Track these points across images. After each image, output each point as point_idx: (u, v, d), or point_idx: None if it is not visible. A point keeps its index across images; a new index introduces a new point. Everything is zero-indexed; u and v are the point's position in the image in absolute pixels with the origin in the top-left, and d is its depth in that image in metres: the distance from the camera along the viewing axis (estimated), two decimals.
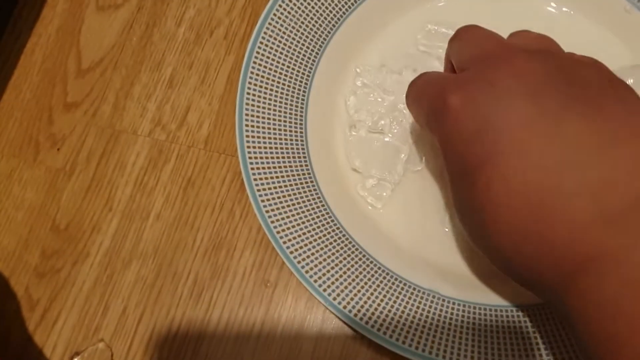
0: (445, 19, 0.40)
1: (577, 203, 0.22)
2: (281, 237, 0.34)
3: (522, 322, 0.32)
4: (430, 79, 0.29)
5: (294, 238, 0.34)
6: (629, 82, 0.36)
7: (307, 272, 0.34)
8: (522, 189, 0.23)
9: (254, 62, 0.37)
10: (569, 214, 0.22)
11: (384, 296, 0.33)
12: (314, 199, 0.36)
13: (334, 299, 0.33)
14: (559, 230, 0.22)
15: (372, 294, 0.33)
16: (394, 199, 0.37)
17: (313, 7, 0.38)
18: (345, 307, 0.33)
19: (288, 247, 0.34)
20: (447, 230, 0.36)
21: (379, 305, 0.33)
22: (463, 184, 0.25)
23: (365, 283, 0.34)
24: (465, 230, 0.28)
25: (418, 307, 0.33)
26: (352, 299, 0.33)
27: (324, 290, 0.33)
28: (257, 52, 0.37)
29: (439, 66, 0.39)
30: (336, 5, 0.39)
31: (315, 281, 0.34)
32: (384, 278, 0.34)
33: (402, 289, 0.34)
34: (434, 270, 0.35)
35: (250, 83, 0.37)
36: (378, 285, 0.34)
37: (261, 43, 0.37)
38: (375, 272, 0.34)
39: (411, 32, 0.40)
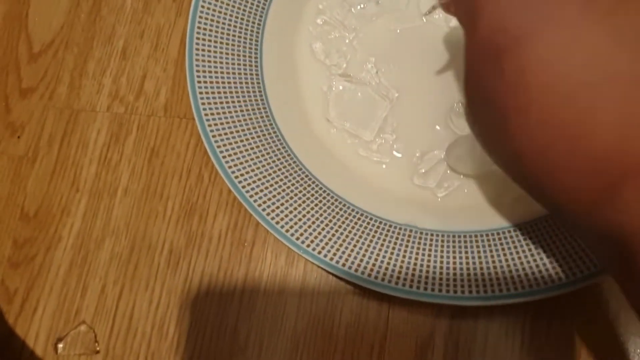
0: None
1: (631, 100, 0.18)
2: (251, 196, 0.33)
3: (504, 244, 0.31)
4: None
5: (264, 194, 0.33)
6: None
7: (282, 226, 0.32)
8: (567, 73, 0.19)
9: (200, 17, 0.35)
10: (616, 116, 0.18)
11: (360, 237, 0.32)
12: (279, 151, 0.35)
13: (313, 249, 0.32)
14: (603, 133, 0.18)
15: (348, 236, 0.32)
16: None
17: None
18: (324, 255, 0.32)
19: (259, 205, 0.33)
20: (419, 164, 0.35)
21: (355, 246, 0.32)
22: (489, 66, 0.21)
23: (341, 227, 0.33)
24: (479, 133, 0.24)
25: (395, 244, 0.32)
26: (331, 246, 0.32)
27: (302, 242, 0.32)
28: (202, 6, 0.35)
29: None
30: None
31: (292, 234, 0.32)
32: (359, 219, 0.33)
33: (379, 227, 0.32)
34: (408, 205, 0.34)
35: (198, 39, 0.35)
36: (353, 227, 0.32)
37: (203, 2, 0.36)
38: (349, 214, 0.33)
39: None
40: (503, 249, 0.31)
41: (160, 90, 0.39)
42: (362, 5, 0.37)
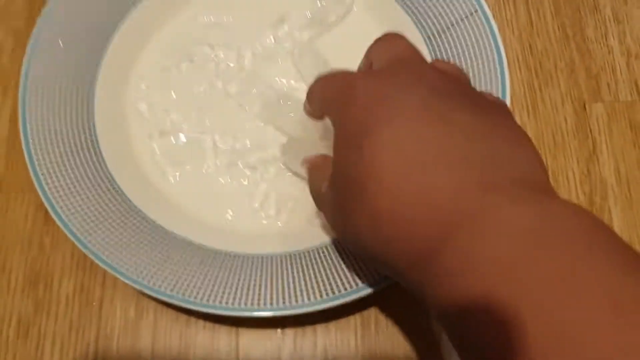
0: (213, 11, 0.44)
1: (460, 172, 0.23)
2: (98, 249, 0.35)
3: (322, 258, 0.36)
4: (340, 73, 0.31)
5: (110, 246, 0.35)
6: None
7: (127, 270, 0.34)
8: (410, 151, 0.24)
9: (31, 96, 0.38)
10: (451, 179, 0.23)
11: (199, 269, 0.35)
12: (121, 205, 0.37)
13: (160, 286, 0.34)
14: (439, 190, 0.23)
15: (189, 273, 0.35)
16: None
17: (78, 29, 0.40)
18: (170, 290, 0.34)
19: (106, 255, 0.35)
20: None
21: (198, 279, 0.35)
22: (350, 147, 0.26)
23: (186, 264, 0.35)
24: (334, 199, 0.29)
25: (230, 270, 0.35)
26: (179, 283, 0.34)
27: (150, 283, 0.34)
28: (31, 87, 0.38)
29: (209, 51, 0.43)
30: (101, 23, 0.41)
31: (138, 277, 0.34)
32: (196, 253, 0.36)
33: (215, 259, 0.36)
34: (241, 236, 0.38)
35: (30, 116, 0.37)
36: (189, 262, 0.36)
37: (33, 77, 0.38)
38: (191, 250, 0.36)
39: (184, 28, 0.44)
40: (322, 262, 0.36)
41: None
42: (179, 66, 0.42)
